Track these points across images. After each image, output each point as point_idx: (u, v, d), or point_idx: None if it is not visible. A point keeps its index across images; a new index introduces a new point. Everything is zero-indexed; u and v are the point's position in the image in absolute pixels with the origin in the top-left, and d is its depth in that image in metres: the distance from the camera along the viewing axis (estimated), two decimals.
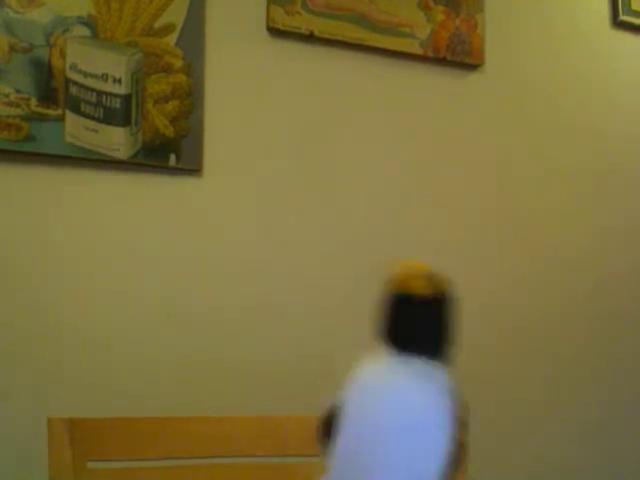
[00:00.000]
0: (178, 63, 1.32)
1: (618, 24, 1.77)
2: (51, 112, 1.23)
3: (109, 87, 1.26)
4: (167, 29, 1.32)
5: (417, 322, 0.56)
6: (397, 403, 0.53)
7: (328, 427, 0.56)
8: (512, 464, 1.55)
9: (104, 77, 1.26)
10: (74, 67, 1.24)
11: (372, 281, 1.53)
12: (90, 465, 0.89)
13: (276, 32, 1.42)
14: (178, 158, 1.31)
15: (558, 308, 1.65)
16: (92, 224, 1.27)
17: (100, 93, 1.26)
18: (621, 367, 1.71)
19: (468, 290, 1.55)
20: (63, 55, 1.24)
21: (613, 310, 1.71)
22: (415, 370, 0.54)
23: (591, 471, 1.65)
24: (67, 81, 1.24)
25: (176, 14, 1.33)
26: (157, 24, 1.31)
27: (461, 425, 0.54)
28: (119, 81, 1.27)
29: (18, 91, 1.21)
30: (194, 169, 1.33)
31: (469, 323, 1.56)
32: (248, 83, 1.41)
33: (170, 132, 1.31)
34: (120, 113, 1.27)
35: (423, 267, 0.57)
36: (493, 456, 1.49)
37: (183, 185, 1.34)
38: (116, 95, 1.27)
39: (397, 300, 0.57)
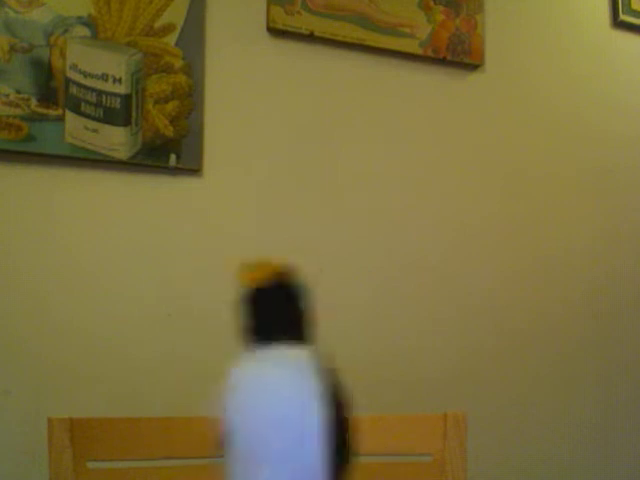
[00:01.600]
0: (178, 63, 1.32)
1: (618, 24, 1.77)
2: (51, 112, 1.23)
3: (109, 87, 1.26)
4: (167, 29, 1.32)
5: (265, 311, 0.60)
6: (265, 394, 0.55)
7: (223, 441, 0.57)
8: (512, 464, 1.55)
9: (104, 77, 1.26)
10: (74, 67, 1.24)
11: (371, 278, 1.53)
12: (90, 465, 0.89)
13: (276, 32, 1.42)
14: (178, 158, 1.31)
15: (558, 308, 1.65)
16: (92, 224, 1.27)
17: (100, 93, 1.26)
18: (621, 367, 1.71)
19: (468, 289, 1.56)
20: (63, 55, 1.24)
21: (613, 310, 1.71)
22: (277, 356, 0.56)
23: (591, 470, 1.65)
24: (67, 81, 1.24)
25: (176, 14, 1.33)
26: (157, 24, 1.31)
27: (336, 402, 0.54)
28: (119, 81, 1.27)
29: (18, 91, 1.21)
30: (194, 169, 1.33)
31: (470, 323, 1.57)
32: (248, 83, 1.41)
33: (170, 132, 1.31)
34: (120, 113, 1.27)
35: (256, 261, 0.60)
36: (493, 456, 1.50)
37: (183, 185, 1.34)
38: (116, 95, 1.27)
39: (244, 296, 0.61)
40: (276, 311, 0.59)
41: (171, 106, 1.31)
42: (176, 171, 1.33)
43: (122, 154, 1.27)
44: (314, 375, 0.55)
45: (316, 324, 0.58)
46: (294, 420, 0.53)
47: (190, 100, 1.33)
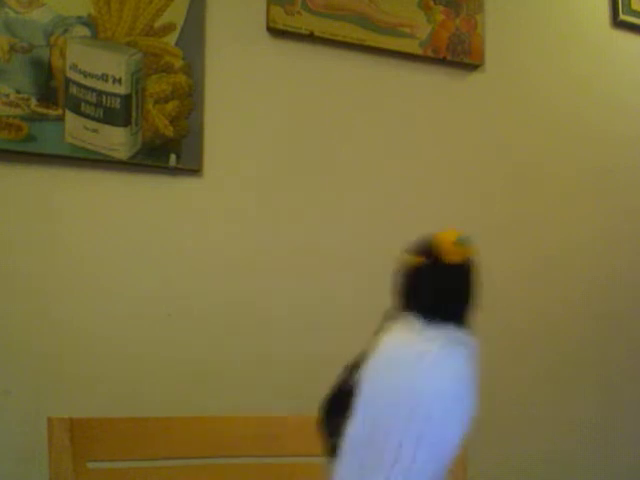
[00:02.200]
0: (178, 63, 1.32)
1: (618, 24, 1.77)
2: (51, 112, 1.23)
3: (109, 87, 1.26)
4: (167, 29, 1.32)
5: (451, 290, 0.55)
6: (428, 371, 0.51)
7: (333, 406, 0.53)
8: (512, 464, 1.55)
9: (104, 77, 1.26)
10: (74, 67, 1.24)
11: (370, 278, 1.53)
12: (90, 465, 0.89)
13: (276, 32, 1.42)
14: (178, 158, 1.31)
15: (558, 307, 1.65)
16: (92, 224, 1.27)
17: (100, 93, 1.26)
18: (621, 367, 1.71)
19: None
20: (63, 55, 1.24)
21: (614, 310, 1.71)
22: (446, 337, 0.52)
23: (591, 470, 1.65)
24: (67, 81, 1.24)
25: (176, 14, 1.33)
26: (157, 24, 1.31)
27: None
28: (119, 81, 1.27)
29: (18, 91, 1.21)
30: (194, 169, 1.33)
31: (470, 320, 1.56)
32: (248, 83, 1.41)
33: (170, 132, 1.31)
34: (120, 113, 1.27)
35: (460, 234, 0.55)
36: (493, 456, 1.50)
37: (183, 185, 1.34)
38: (116, 95, 1.27)
39: (427, 268, 0.55)
40: (462, 291, 0.55)
41: (171, 106, 1.31)
42: (176, 171, 1.33)
43: (122, 154, 1.27)
44: (472, 363, 0.53)
45: (476, 309, 0.56)
46: (448, 400, 0.51)
47: (190, 100, 1.33)
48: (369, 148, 1.50)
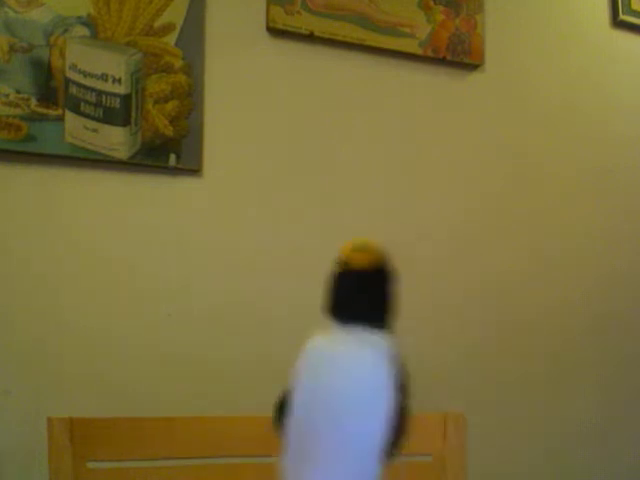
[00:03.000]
0: (178, 63, 1.32)
1: (618, 24, 1.77)
2: (51, 112, 1.23)
3: (109, 87, 1.26)
4: (167, 29, 1.32)
5: (357, 293, 0.59)
6: (341, 373, 0.56)
7: (281, 412, 0.58)
8: (512, 464, 1.55)
9: (104, 77, 1.26)
10: (74, 67, 1.24)
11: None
12: (90, 465, 0.89)
13: (276, 32, 1.42)
14: (178, 158, 1.31)
15: (558, 307, 1.65)
16: (92, 224, 1.27)
17: (100, 93, 1.26)
18: (622, 366, 1.71)
19: (467, 288, 1.56)
20: (63, 55, 1.24)
21: (614, 309, 1.71)
22: (357, 338, 0.57)
23: (591, 470, 1.65)
24: (67, 81, 1.24)
25: (176, 14, 1.33)
26: (157, 24, 1.31)
27: (403, 391, 0.56)
28: (119, 81, 1.27)
29: (18, 91, 1.21)
30: (194, 169, 1.33)
31: (469, 322, 1.56)
32: (248, 83, 1.41)
33: (170, 132, 1.31)
34: (120, 113, 1.27)
35: (364, 242, 0.59)
36: (493, 456, 1.50)
37: (183, 185, 1.34)
38: (116, 95, 1.27)
39: (338, 275, 0.60)
40: (368, 294, 0.59)
41: (171, 106, 1.31)
42: (176, 171, 1.33)
43: (122, 154, 1.27)
44: (389, 361, 0.56)
45: (397, 312, 0.60)
46: (365, 400, 0.54)
47: (190, 100, 1.33)
48: (369, 148, 1.50)
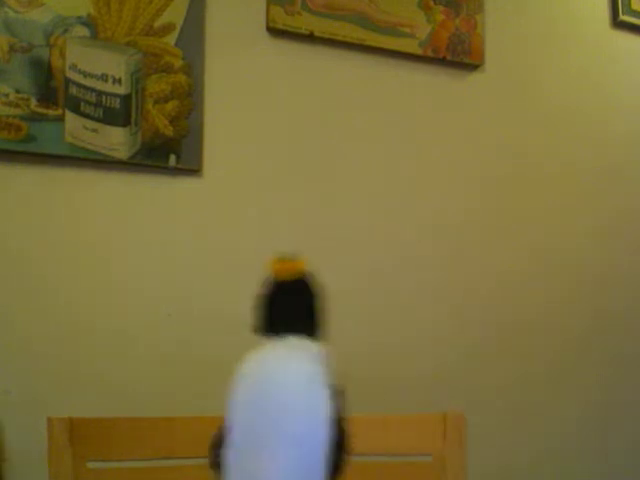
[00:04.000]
0: (178, 63, 1.32)
1: (618, 24, 1.77)
2: (51, 112, 1.23)
3: (109, 87, 1.26)
4: (167, 29, 1.32)
5: (284, 304, 0.61)
6: (273, 376, 0.57)
7: (219, 444, 0.58)
8: (512, 464, 1.55)
9: (104, 77, 1.26)
10: (74, 67, 1.24)
11: (371, 277, 1.53)
12: (90, 465, 0.89)
13: (276, 32, 1.42)
14: (178, 158, 1.31)
15: (558, 307, 1.65)
16: (92, 224, 1.27)
17: (100, 93, 1.26)
18: (621, 366, 1.71)
19: (467, 288, 1.56)
20: (63, 55, 1.24)
21: (614, 308, 1.71)
22: (286, 345, 0.58)
23: (591, 470, 1.65)
24: (67, 81, 1.24)
25: (176, 14, 1.33)
26: (157, 24, 1.31)
27: (338, 393, 0.56)
28: (119, 81, 1.27)
29: (18, 91, 1.21)
30: (194, 169, 1.33)
31: (469, 322, 1.56)
32: (248, 83, 1.41)
33: (170, 132, 1.31)
34: (120, 113, 1.27)
35: (287, 255, 0.63)
36: (493, 456, 1.50)
37: (183, 185, 1.34)
38: (116, 95, 1.27)
39: (266, 289, 0.62)
40: (296, 304, 0.61)
41: (171, 106, 1.31)
42: (176, 171, 1.33)
43: (122, 154, 1.27)
44: (322, 367, 0.56)
45: (326, 323, 0.61)
46: (303, 406, 0.55)
47: (190, 100, 1.33)
48: (369, 148, 1.50)
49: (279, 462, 0.53)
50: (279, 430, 0.54)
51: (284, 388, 0.55)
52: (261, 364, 0.59)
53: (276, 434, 0.54)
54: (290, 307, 0.60)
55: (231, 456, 0.56)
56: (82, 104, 1.25)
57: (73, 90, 1.24)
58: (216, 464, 0.57)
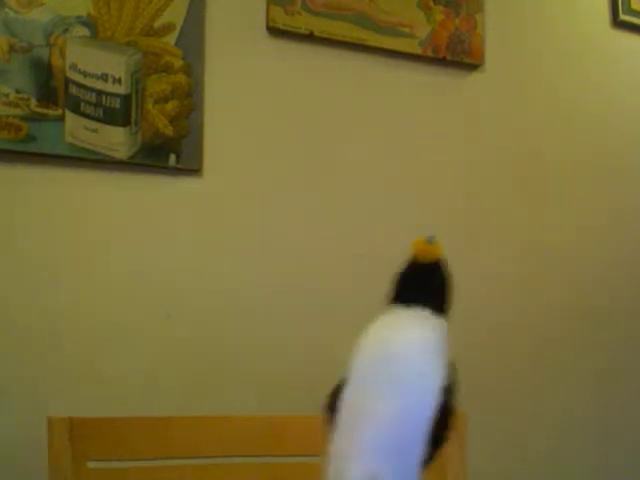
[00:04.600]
0: (178, 63, 1.32)
1: (618, 24, 1.77)
2: (51, 112, 1.23)
3: (109, 87, 1.26)
4: (167, 29, 1.32)
5: (416, 282, 0.62)
6: (390, 344, 0.57)
7: (334, 399, 0.58)
8: (512, 464, 1.55)
9: (104, 77, 1.26)
10: (74, 67, 1.24)
11: (372, 278, 1.53)
12: (90, 465, 0.89)
13: (276, 32, 1.42)
14: (178, 158, 1.31)
15: (558, 306, 1.65)
16: (92, 224, 1.27)
17: (100, 93, 1.26)
18: (621, 366, 1.71)
19: (467, 288, 1.55)
20: (63, 55, 1.24)
21: (614, 308, 1.71)
22: (410, 313, 0.60)
23: (591, 469, 1.65)
24: (67, 81, 1.24)
25: (176, 14, 1.33)
26: (157, 24, 1.31)
27: (450, 365, 0.57)
28: (119, 81, 1.27)
29: (18, 91, 1.21)
30: (194, 169, 1.33)
31: (469, 322, 1.56)
32: (248, 83, 1.41)
33: (170, 132, 1.31)
34: (120, 113, 1.27)
35: (427, 240, 0.64)
36: (493, 456, 1.50)
37: (183, 185, 1.34)
38: (116, 95, 1.27)
39: (406, 266, 0.64)
40: (430, 283, 0.62)
41: (171, 106, 1.31)
42: (176, 171, 1.33)
43: (122, 154, 1.27)
44: (439, 337, 0.58)
45: (452, 307, 0.62)
46: (414, 380, 0.55)
47: (190, 100, 1.33)
48: (369, 147, 1.50)
49: (385, 409, 0.54)
50: (390, 393, 0.54)
51: (398, 355, 0.56)
52: (382, 327, 0.60)
53: (387, 396, 0.54)
54: (424, 285, 0.62)
55: (343, 405, 0.56)
56: (82, 104, 1.25)
57: (73, 90, 1.24)
58: (330, 409, 0.58)
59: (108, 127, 1.26)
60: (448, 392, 0.56)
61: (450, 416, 0.56)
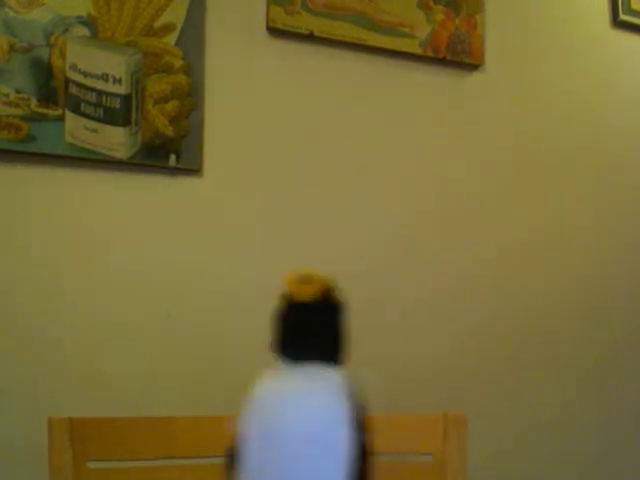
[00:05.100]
0: (178, 63, 1.32)
1: (618, 24, 1.77)
2: (51, 112, 1.23)
3: (109, 87, 1.26)
4: (167, 29, 1.32)
5: (300, 327, 0.55)
6: (292, 415, 0.52)
7: (233, 458, 0.55)
8: (512, 464, 1.56)
9: (104, 77, 1.26)
10: (74, 67, 1.24)
11: (371, 276, 1.53)
12: (90, 465, 0.89)
13: (276, 32, 1.42)
14: (178, 158, 1.31)
15: (558, 306, 1.65)
16: (92, 224, 1.27)
17: (100, 93, 1.26)
18: (621, 365, 1.71)
19: (467, 287, 1.55)
20: (63, 55, 1.24)
21: (614, 307, 1.71)
22: (309, 377, 0.53)
23: (591, 470, 1.65)
24: (67, 81, 1.24)
25: (176, 14, 1.33)
26: (157, 24, 1.31)
27: (362, 428, 0.52)
28: (119, 81, 1.27)
29: (18, 91, 1.21)
30: (194, 169, 1.33)
31: (469, 321, 1.56)
32: (248, 83, 1.41)
33: (170, 132, 1.31)
34: (120, 113, 1.27)
35: (306, 271, 0.56)
36: (493, 456, 1.50)
37: (183, 185, 1.34)
38: (116, 95, 1.27)
39: (284, 309, 0.56)
40: (317, 328, 0.55)
41: (171, 106, 1.31)
42: (176, 171, 1.33)
43: (122, 154, 1.27)
44: (343, 399, 0.53)
45: (349, 343, 0.56)
46: (322, 440, 0.51)
47: (190, 100, 1.33)
48: (368, 147, 1.50)
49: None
50: (294, 471, 0.51)
51: (303, 427, 0.52)
52: (278, 396, 0.54)
53: (290, 475, 0.51)
54: (310, 330, 0.55)
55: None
56: (82, 104, 1.25)
57: (73, 90, 1.24)
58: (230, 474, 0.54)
59: (108, 127, 1.26)
60: (361, 458, 0.51)
61: (366, 474, 0.53)
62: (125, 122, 1.27)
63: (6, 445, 1.17)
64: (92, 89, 1.25)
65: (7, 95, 1.20)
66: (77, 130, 1.24)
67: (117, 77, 1.27)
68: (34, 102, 1.21)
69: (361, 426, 0.52)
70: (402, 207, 1.52)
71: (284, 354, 0.56)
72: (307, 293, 0.55)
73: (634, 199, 1.77)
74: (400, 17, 1.50)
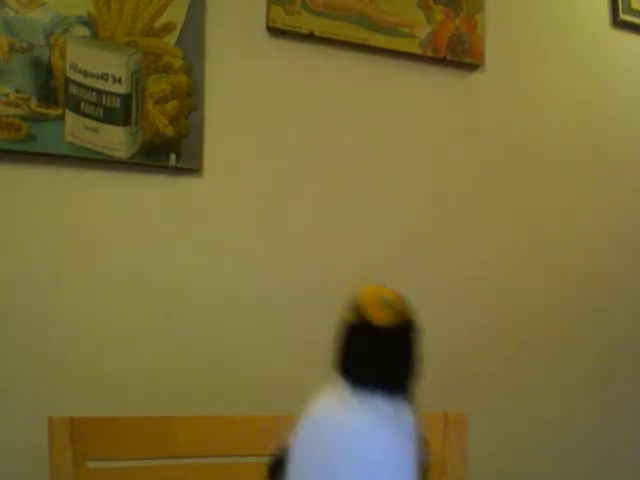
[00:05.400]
0: (178, 63, 1.32)
1: (618, 24, 1.77)
2: (51, 112, 1.23)
3: (109, 87, 1.26)
4: (167, 29, 1.32)
5: (376, 354, 0.50)
6: (350, 448, 0.48)
7: (275, 471, 0.51)
8: (512, 464, 1.55)
9: (104, 77, 1.26)
10: (74, 67, 1.24)
11: (374, 279, 1.53)
12: (91, 464, 0.89)
13: (276, 32, 1.42)
14: (178, 158, 1.31)
15: (558, 306, 1.65)
16: (92, 224, 1.27)
17: (100, 93, 1.26)
18: (622, 365, 1.71)
19: (467, 287, 1.55)
20: (63, 55, 1.24)
21: (614, 307, 1.71)
22: (372, 410, 0.48)
23: (591, 470, 1.65)
24: (67, 81, 1.24)
25: (176, 14, 1.33)
26: (157, 24, 1.31)
27: (423, 469, 0.48)
28: (119, 81, 1.27)
29: (18, 91, 1.21)
30: (194, 169, 1.33)
31: (469, 321, 1.56)
32: (248, 83, 1.41)
33: (170, 132, 1.31)
34: (120, 113, 1.27)
35: (387, 293, 0.51)
36: (493, 456, 1.50)
37: (183, 185, 1.34)
38: (116, 95, 1.27)
39: (354, 329, 0.51)
40: (391, 357, 0.49)
41: (171, 106, 1.31)
42: (176, 171, 1.33)
43: (122, 154, 1.27)
44: (407, 436, 0.48)
45: (420, 374, 0.51)
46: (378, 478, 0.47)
47: (190, 100, 1.33)
48: (369, 147, 1.50)
49: None
50: None
51: (360, 469, 0.47)
52: (338, 426, 0.49)
53: None
54: (384, 358, 0.49)
55: None
56: (82, 104, 1.25)
57: (73, 90, 1.24)
58: None
59: (108, 127, 1.26)
60: None
61: None
62: (125, 122, 1.27)
63: (6, 445, 1.17)
64: (92, 89, 1.25)
65: (7, 95, 1.20)
66: (77, 130, 1.24)
67: (117, 77, 1.27)
68: (34, 102, 1.21)
69: (420, 466, 0.48)
70: (402, 207, 1.52)
71: (350, 378, 0.50)
72: (387, 318, 0.49)
73: (634, 199, 1.77)
74: (400, 17, 1.50)
